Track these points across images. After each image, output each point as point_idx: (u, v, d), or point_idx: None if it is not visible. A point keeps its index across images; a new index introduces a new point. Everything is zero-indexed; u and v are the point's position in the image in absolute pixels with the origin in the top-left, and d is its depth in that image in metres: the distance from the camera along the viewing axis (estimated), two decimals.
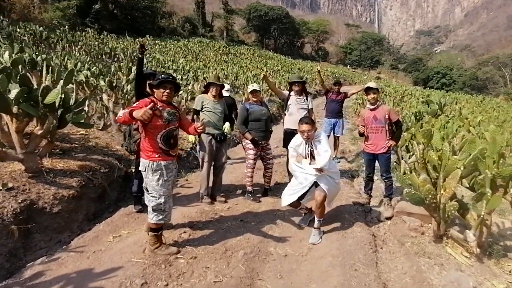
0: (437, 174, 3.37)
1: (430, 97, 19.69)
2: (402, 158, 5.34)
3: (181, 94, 9.34)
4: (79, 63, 8.43)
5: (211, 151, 4.00)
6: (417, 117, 9.10)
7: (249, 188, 4.28)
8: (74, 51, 13.81)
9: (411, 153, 5.32)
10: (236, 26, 52.78)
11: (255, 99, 4.21)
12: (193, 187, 4.70)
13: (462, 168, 3.02)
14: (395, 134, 3.94)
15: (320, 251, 3.06)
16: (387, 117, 3.83)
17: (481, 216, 2.74)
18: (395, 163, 5.45)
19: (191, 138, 4.04)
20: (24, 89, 3.08)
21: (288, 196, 3.32)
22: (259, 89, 4.22)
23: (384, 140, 3.85)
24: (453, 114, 12.95)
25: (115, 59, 15.34)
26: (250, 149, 4.15)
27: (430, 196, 2.91)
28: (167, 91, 2.77)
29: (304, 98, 4.66)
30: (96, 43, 18.41)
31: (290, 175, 4.97)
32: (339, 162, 6.46)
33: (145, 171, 2.72)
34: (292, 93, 4.69)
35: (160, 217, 2.72)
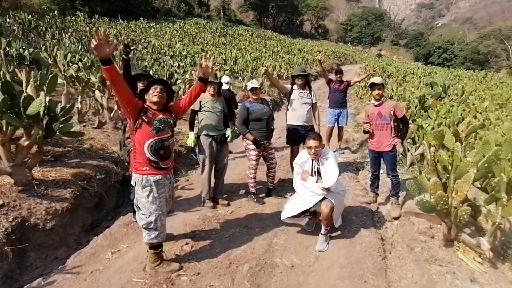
0: (447, 175, 3.21)
1: (433, 78, 19.30)
2: (408, 150, 5.17)
3: (178, 84, 9.04)
4: (69, 54, 8.06)
5: (212, 153, 3.82)
6: (422, 102, 8.84)
7: (252, 190, 4.13)
8: (64, 39, 13.31)
9: (417, 145, 5.15)
10: (233, 4, 51.08)
11: (255, 97, 3.97)
12: (194, 188, 4.55)
13: (475, 171, 2.85)
14: (401, 131, 3.76)
15: (328, 260, 2.95)
16: (392, 113, 3.65)
17: (496, 223, 2.60)
18: (401, 155, 5.29)
19: (190, 141, 3.83)
20: (5, 98, 2.86)
21: (290, 210, 3.18)
22: (259, 86, 3.98)
23: (389, 138, 3.69)
24: (456, 93, 12.68)
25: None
26: (252, 150, 3.96)
27: (442, 202, 2.76)
28: (157, 90, 2.54)
29: (308, 92, 4.43)
30: (87, 28, 17.78)
31: (293, 170, 4.85)
32: (343, 153, 6.29)
33: (135, 185, 2.56)
34: (295, 86, 4.45)
35: (152, 235, 2.57)
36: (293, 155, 4.70)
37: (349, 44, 59.15)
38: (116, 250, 3.01)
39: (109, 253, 2.98)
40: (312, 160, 3.14)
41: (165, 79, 9.30)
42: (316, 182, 3.08)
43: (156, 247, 2.65)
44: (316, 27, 61.27)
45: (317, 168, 3.11)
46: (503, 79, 29.31)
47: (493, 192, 2.81)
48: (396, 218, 3.70)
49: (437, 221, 3.40)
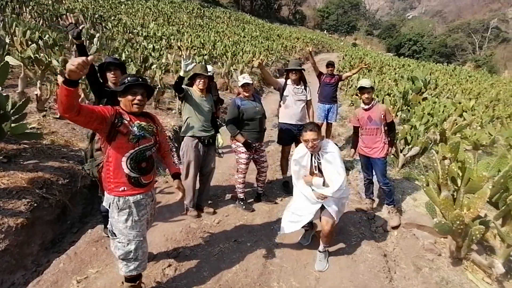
0: (456, 187, 3.00)
1: (408, 71, 19.63)
2: (401, 151, 4.99)
3: (153, 69, 8.28)
4: (29, 31, 7.03)
5: (198, 156, 3.35)
6: (405, 97, 8.78)
7: (241, 196, 3.74)
8: (25, 13, 11.79)
9: (409, 146, 4.98)
10: None
11: (247, 94, 3.52)
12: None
13: (490, 186, 2.64)
14: (390, 136, 3.59)
15: (330, 282, 2.65)
16: (382, 117, 3.47)
17: None
18: (392, 155, 5.11)
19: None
20: None
21: (290, 224, 2.82)
22: (251, 82, 3.51)
23: (380, 143, 3.50)
24: (429, 87, 12.89)
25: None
26: (242, 152, 3.54)
27: (458, 222, 2.53)
28: (138, 97, 2.02)
29: (302, 88, 4.04)
30: (50, 1, 15.96)
31: (283, 170, 4.50)
32: None
33: (109, 207, 2.07)
34: (288, 81, 4.04)
35: (131, 267, 2.11)
36: (284, 155, 4.35)
37: (325, 31, 59.14)
38: (83, 278, 2.51)
39: (74, 281, 2.46)
40: (311, 154, 2.79)
41: (139, 62, 8.51)
42: (315, 179, 2.75)
43: (134, 279, 2.21)
44: (293, 13, 60.42)
45: (317, 163, 2.75)
46: (470, 72, 30.70)
47: (508, 210, 2.62)
48: (395, 228, 3.49)
49: (439, 235, 3.22)
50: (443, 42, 61.42)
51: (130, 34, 13.36)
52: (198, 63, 3.43)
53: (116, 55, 8.42)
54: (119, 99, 2.07)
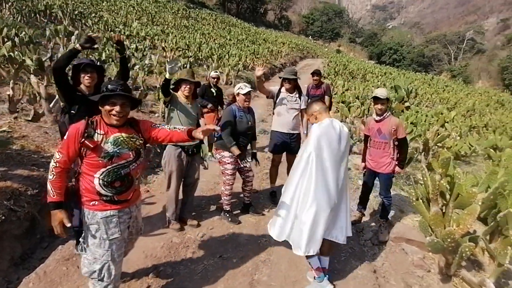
0: (445, 202, 2.98)
1: (389, 79, 20.14)
2: None
3: (136, 70, 7.99)
4: (5, 28, 6.61)
5: (180, 166, 3.17)
6: (389, 106, 8.93)
7: (227, 208, 3.58)
8: (4, 9, 11.16)
9: None
10: None
11: (247, 104, 3.37)
12: (156, 202, 3.85)
13: (480, 203, 2.63)
14: (402, 156, 3.33)
15: None
16: (393, 131, 3.23)
17: (505, 265, 2.39)
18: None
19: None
20: None
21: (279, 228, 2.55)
22: (251, 90, 3.37)
23: (387, 158, 3.30)
24: (410, 96, 13.22)
25: (53, 18, 12.82)
26: (228, 163, 3.39)
27: (450, 240, 2.49)
28: (116, 109, 1.82)
29: (296, 96, 3.94)
30: None
31: (271, 179, 4.37)
32: None
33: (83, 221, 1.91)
34: (282, 89, 3.94)
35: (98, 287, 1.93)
36: (274, 164, 4.24)
37: (310, 37, 59.98)
38: None
39: None
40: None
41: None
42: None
43: None
44: (279, 18, 60.97)
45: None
46: (447, 82, 31.96)
47: (497, 226, 2.61)
48: (384, 242, 3.44)
49: (427, 249, 3.19)
50: (421, 52, 63.86)
51: (112, 33, 12.91)
52: (184, 67, 3.26)
53: (96, 54, 8.05)
54: (100, 108, 1.87)
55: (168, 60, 2.96)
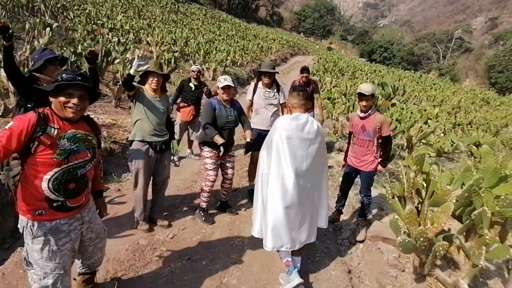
0: (420, 199, 2.90)
1: (379, 76, 20.21)
2: None
3: (116, 64, 7.73)
4: None
5: (148, 164, 3.00)
6: (375, 102, 8.89)
7: (204, 205, 3.43)
8: None
9: None
10: None
11: (226, 98, 3.22)
12: (127, 201, 3.68)
13: (454, 201, 2.55)
14: (385, 154, 3.26)
15: None
16: (377, 129, 3.13)
17: (480, 266, 2.32)
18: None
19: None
20: None
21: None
22: (233, 85, 3.21)
23: (369, 156, 3.21)
24: (398, 93, 13.27)
25: (35, 12, 12.36)
26: (207, 157, 3.25)
27: (422, 239, 2.40)
28: (73, 101, 1.64)
29: (275, 91, 3.80)
30: None
31: (250, 177, 4.24)
32: None
33: (22, 232, 1.70)
34: (259, 84, 3.79)
35: None
36: (253, 161, 4.11)
37: (302, 34, 59.98)
38: None
39: None
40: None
41: (100, 56, 7.87)
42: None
43: None
44: (271, 14, 60.73)
45: None
46: (435, 80, 32.33)
47: (472, 225, 2.54)
48: (361, 242, 3.35)
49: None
50: (411, 50, 64.58)
51: (94, 25, 12.54)
52: (151, 59, 3.08)
53: (71, 47, 7.75)
54: (50, 99, 1.67)
55: (139, 55, 2.77)
